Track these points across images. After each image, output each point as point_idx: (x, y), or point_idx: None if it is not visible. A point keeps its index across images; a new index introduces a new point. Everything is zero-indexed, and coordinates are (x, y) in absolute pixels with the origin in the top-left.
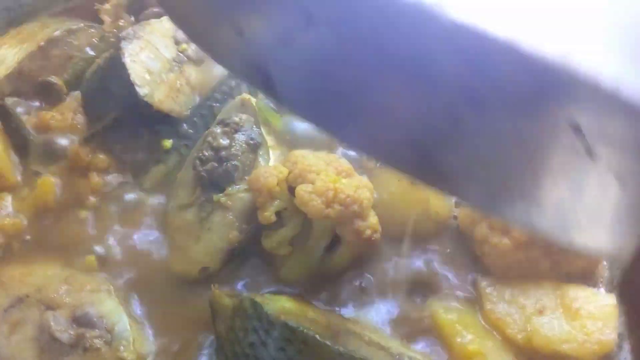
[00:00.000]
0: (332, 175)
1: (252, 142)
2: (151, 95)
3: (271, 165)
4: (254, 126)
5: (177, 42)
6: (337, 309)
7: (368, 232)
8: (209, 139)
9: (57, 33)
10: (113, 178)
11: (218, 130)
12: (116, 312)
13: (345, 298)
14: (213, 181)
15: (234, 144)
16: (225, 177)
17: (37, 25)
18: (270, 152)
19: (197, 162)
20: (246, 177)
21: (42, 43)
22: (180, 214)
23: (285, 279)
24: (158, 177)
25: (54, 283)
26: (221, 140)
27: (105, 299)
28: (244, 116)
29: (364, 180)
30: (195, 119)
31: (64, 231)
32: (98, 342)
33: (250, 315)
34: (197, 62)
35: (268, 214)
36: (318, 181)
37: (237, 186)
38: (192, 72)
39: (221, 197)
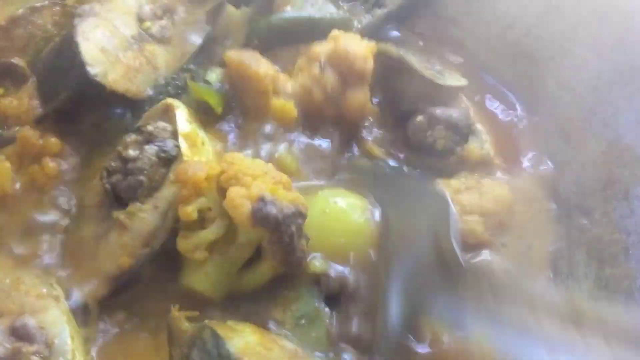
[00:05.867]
0: (270, 183)
1: (163, 154)
2: (104, 74)
3: (203, 160)
4: (171, 137)
5: (140, 20)
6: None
7: (297, 253)
8: (119, 147)
9: (20, 12)
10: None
11: (131, 138)
12: (58, 323)
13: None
14: (117, 195)
15: (141, 155)
16: (129, 192)
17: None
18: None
19: (104, 172)
20: (154, 195)
21: (3, 22)
22: (79, 226)
23: (191, 287)
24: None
25: (0, 286)
26: (130, 151)
27: (50, 307)
28: (160, 124)
29: (301, 197)
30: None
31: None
32: (34, 359)
33: (209, 350)
34: (161, 41)
35: (190, 210)
36: (254, 187)
37: (140, 204)
38: (156, 51)
39: (121, 214)
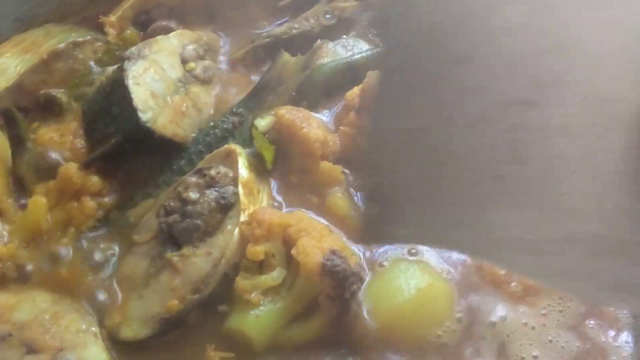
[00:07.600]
0: (338, 243)
1: (223, 201)
2: (154, 120)
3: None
4: (231, 183)
5: (184, 61)
6: None
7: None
8: (180, 188)
9: (61, 46)
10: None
11: (192, 179)
12: None
13: None
14: (172, 235)
15: (202, 200)
16: (184, 235)
17: (41, 34)
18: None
19: (162, 210)
20: (208, 240)
21: (46, 56)
22: (130, 263)
23: (240, 329)
24: (143, 213)
25: (40, 320)
26: (190, 193)
27: (90, 343)
28: (222, 169)
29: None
30: (200, 147)
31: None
32: None
33: None
34: (204, 81)
35: (259, 249)
36: (325, 241)
37: (194, 248)
38: (199, 92)
39: (174, 257)
